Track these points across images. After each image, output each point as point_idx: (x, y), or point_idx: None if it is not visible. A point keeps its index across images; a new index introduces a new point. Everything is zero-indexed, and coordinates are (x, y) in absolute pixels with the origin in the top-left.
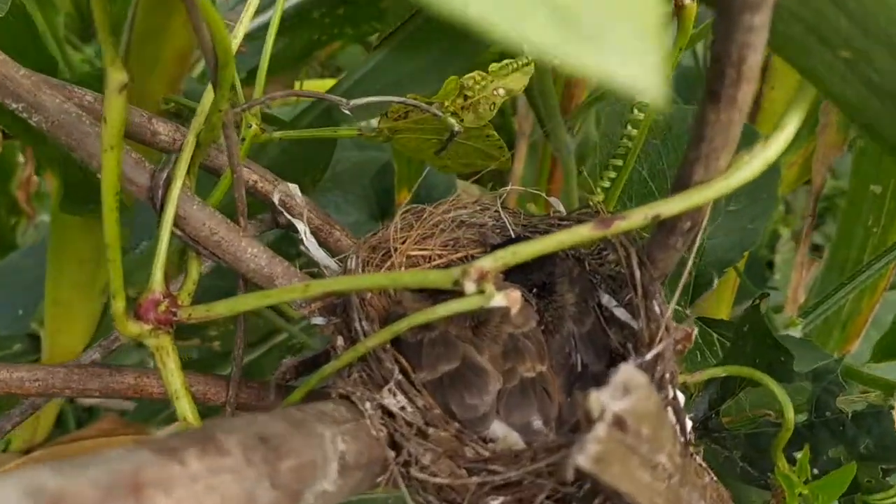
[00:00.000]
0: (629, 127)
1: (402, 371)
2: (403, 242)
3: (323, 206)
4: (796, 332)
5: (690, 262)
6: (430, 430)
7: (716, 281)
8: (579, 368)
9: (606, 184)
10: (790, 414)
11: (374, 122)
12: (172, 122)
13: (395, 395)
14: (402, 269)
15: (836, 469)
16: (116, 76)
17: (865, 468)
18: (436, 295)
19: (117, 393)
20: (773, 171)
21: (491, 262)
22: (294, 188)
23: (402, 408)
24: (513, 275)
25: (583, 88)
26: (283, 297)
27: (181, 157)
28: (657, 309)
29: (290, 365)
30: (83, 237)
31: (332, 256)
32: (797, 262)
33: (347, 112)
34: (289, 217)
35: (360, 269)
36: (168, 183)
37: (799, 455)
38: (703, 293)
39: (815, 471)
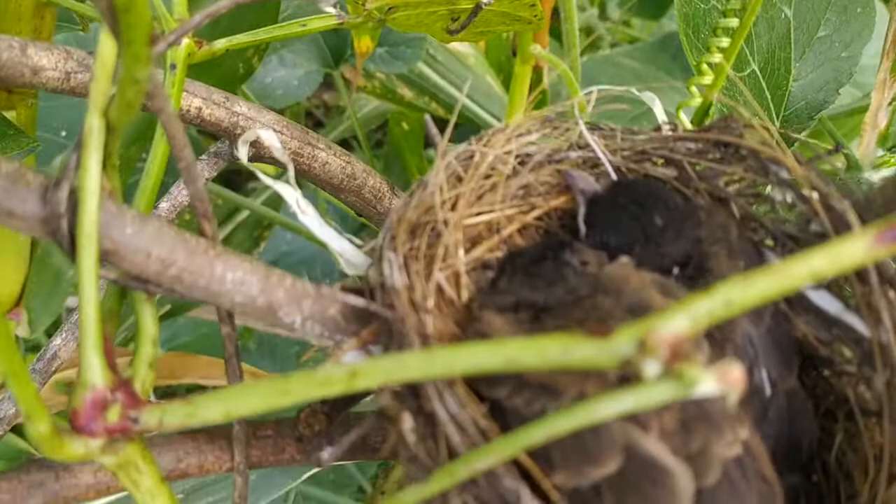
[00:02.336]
0: None
1: (533, 487)
2: (454, 207)
3: (264, 64)
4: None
5: None
6: None
7: (804, 134)
8: (768, 391)
9: (716, 57)
10: None
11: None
12: (60, 47)
13: None
14: (460, 249)
15: None
16: None
17: None
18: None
19: (74, 500)
20: None
21: (688, 324)
22: (256, 111)
23: None
24: (619, 239)
25: None
26: (312, 393)
27: (85, 157)
28: None
29: (318, 426)
30: None
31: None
32: (879, 79)
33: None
34: (258, 173)
35: (404, 277)
36: (75, 203)
37: None
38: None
39: None
